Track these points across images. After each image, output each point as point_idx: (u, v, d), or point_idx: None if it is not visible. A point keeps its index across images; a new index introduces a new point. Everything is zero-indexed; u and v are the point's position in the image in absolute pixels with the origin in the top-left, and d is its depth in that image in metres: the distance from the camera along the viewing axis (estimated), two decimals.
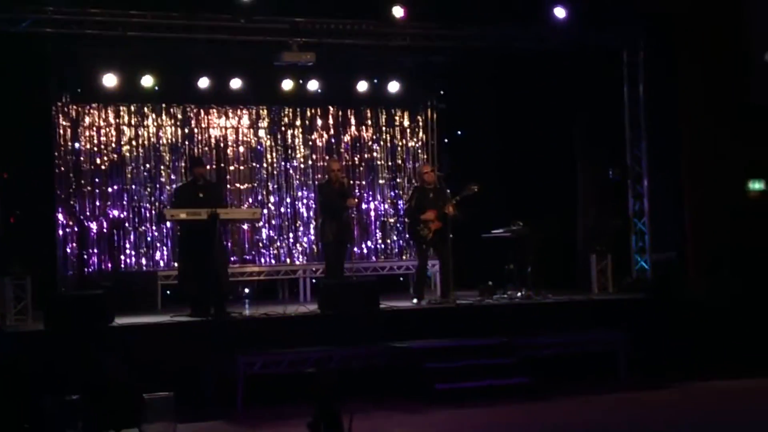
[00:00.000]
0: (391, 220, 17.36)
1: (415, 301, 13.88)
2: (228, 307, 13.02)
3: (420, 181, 14.30)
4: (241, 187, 16.57)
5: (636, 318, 13.45)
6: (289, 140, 16.88)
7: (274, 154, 16.81)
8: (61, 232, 15.48)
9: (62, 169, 15.59)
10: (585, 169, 16.11)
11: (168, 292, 15.01)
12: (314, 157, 16.97)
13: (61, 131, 15.67)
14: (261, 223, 16.37)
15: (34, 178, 14.83)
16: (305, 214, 16.85)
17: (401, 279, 17.01)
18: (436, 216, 13.74)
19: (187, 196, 13.11)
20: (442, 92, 17.62)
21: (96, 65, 15.47)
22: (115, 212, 15.85)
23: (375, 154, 17.37)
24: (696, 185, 15.44)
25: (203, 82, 16.01)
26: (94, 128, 15.93)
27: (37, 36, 13.62)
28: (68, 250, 15.56)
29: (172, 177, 16.13)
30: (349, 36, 14.61)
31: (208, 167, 15.63)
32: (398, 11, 14.28)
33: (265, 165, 16.73)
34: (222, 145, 16.55)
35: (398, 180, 17.45)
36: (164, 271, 15.34)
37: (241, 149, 16.65)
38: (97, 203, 15.82)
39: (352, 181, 16.71)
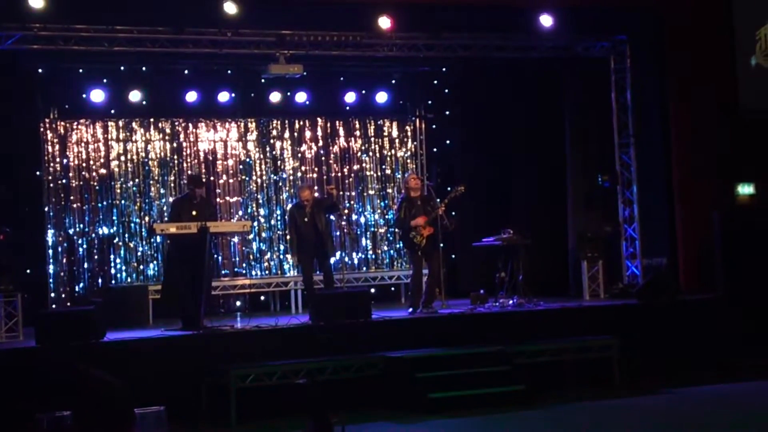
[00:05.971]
0: (381, 231, 17.32)
1: (410, 310, 13.79)
2: (218, 320, 12.99)
3: (406, 190, 14.18)
4: (231, 200, 16.53)
5: (628, 323, 13.45)
6: (278, 152, 16.84)
7: (263, 167, 16.77)
8: (51, 249, 15.45)
9: (51, 185, 15.57)
10: (574, 175, 16.14)
11: (159, 306, 14.95)
12: (303, 168, 16.93)
13: (50, 148, 15.64)
14: (251, 236, 16.34)
15: (23, 195, 14.83)
16: None
17: (392, 289, 17.01)
18: (427, 221, 13.70)
19: (182, 210, 13.01)
20: (430, 102, 17.60)
21: (83, 81, 15.50)
22: (105, 228, 15.81)
23: (364, 164, 17.33)
24: (686, 190, 15.48)
25: (191, 96, 16.00)
26: (83, 144, 15.88)
27: (23, 53, 13.62)
28: (59, 267, 15.52)
29: (162, 191, 16.08)
30: (336, 47, 14.65)
31: None
32: (385, 22, 14.29)
33: (254, 177, 16.69)
34: (211, 158, 16.50)
35: (388, 190, 17.40)
36: (155, 285, 15.28)
37: (230, 162, 16.60)
38: (87, 219, 15.77)
39: (341, 192, 16.68)
